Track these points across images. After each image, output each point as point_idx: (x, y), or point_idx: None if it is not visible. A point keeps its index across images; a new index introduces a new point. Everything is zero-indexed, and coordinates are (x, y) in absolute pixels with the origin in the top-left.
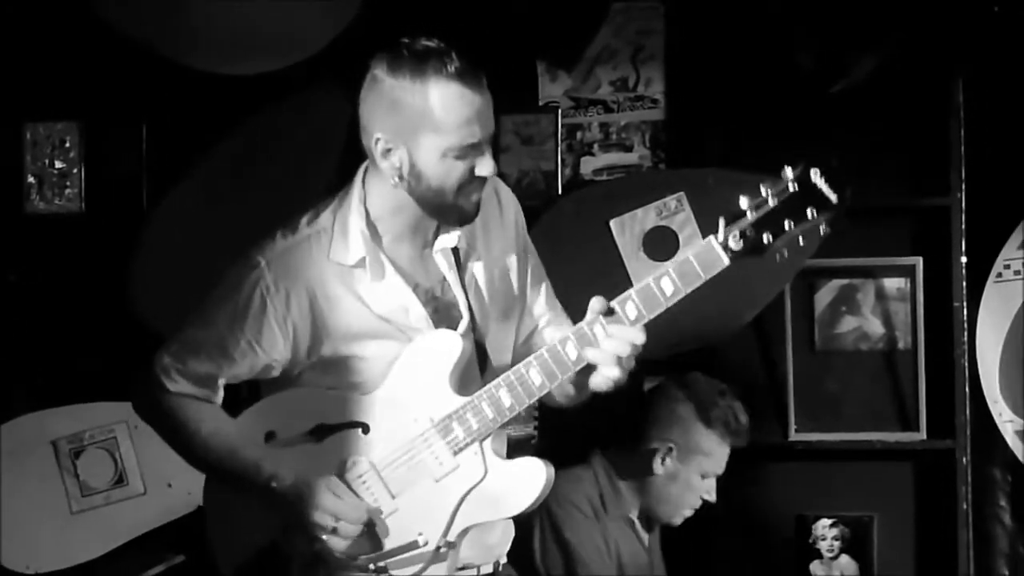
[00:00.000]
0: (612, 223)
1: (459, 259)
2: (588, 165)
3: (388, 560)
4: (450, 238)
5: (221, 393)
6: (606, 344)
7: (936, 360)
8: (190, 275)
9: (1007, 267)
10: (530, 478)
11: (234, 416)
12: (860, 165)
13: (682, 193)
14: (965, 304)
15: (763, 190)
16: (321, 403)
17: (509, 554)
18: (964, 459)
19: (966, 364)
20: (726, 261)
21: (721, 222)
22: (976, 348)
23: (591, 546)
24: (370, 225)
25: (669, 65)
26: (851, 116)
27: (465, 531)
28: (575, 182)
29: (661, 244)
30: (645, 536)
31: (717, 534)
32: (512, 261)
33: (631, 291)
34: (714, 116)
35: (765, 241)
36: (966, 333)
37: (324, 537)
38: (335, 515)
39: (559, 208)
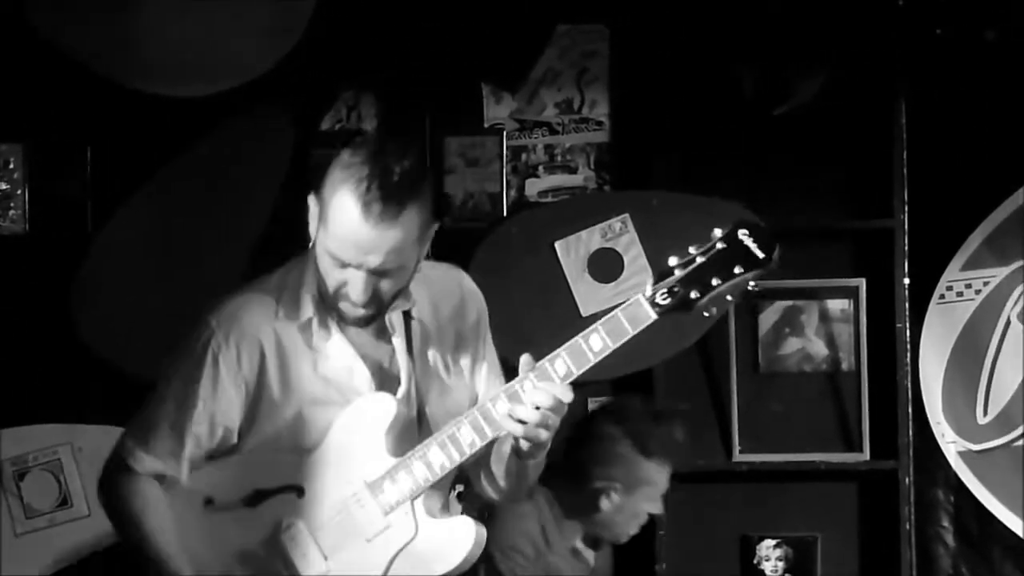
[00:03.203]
0: (557, 245)
1: (410, 328)
2: (533, 187)
3: None
4: (404, 303)
5: (186, 471)
6: (531, 397)
7: (879, 381)
8: (133, 298)
9: (950, 289)
10: (460, 538)
11: None
12: (804, 186)
13: (627, 215)
14: (908, 325)
15: (691, 250)
16: (259, 466)
17: None
18: (907, 480)
19: (909, 385)
20: (653, 316)
21: (649, 280)
22: (919, 369)
23: None
24: (320, 287)
25: (614, 87)
26: (795, 138)
27: None
28: (520, 204)
29: (606, 265)
30: (591, 558)
31: (662, 555)
32: (465, 355)
33: (560, 349)
34: (659, 138)
35: (692, 297)
36: (909, 354)
37: None
38: None
39: (504, 230)
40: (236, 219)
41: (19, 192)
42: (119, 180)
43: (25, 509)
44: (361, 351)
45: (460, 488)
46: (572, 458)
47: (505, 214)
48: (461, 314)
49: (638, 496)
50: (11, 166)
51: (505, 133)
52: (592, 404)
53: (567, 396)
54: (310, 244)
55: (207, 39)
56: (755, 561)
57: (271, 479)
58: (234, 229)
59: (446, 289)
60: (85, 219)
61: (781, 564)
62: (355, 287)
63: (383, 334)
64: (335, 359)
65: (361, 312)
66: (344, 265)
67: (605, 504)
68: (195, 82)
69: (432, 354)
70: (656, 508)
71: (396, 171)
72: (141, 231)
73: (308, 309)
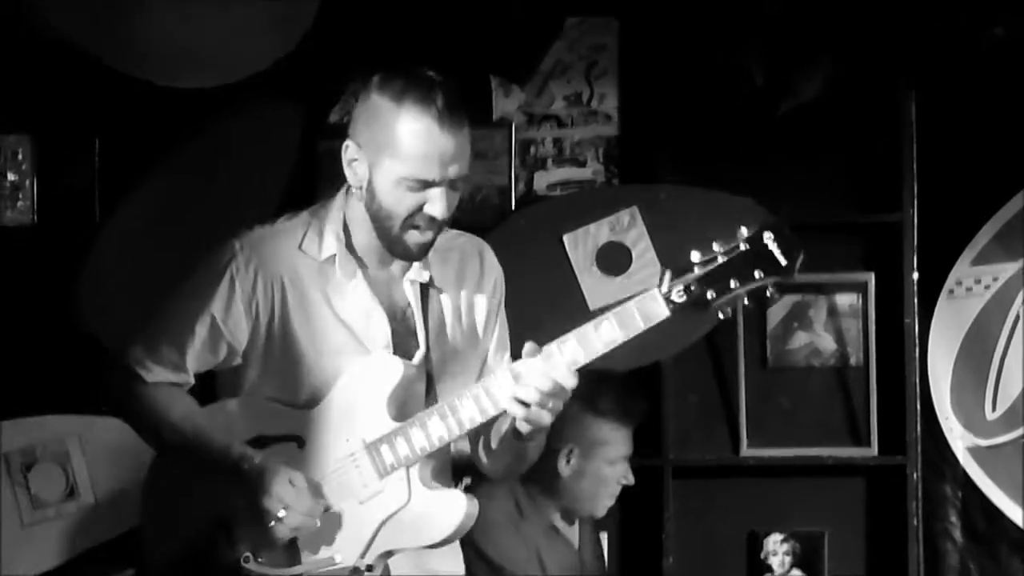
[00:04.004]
0: (565, 238)
1: (427, 296)
2: (542, 180)
3: (305, 575)
4: (422, 273)
5: (192, 377)
6: (534, 380)
7: (888, 376)
8: (140, 288)
9: (959, 284)
10: (451, 510)
11: None
12: (813, 180)
13: (635, 208)
14: (917, 320)
15: (715, 247)
16: (262, 414)
17: None
18: (915, 475)
19: (917, 380)
20: (667, 313)
21: (667, 274)
22: (928, 364)
23: (513, 555)
24: (346, 230)
25: (623, 80)
26: (804, 132)
27: (388, 554)
28: (528, 197)
29: (614, 259)
30: (573, 536)
31: (669, 549)
32: (480, 322)
33: (570, 334)
34: (668, 131)
35: (709, 297)
36: (918, 349)
37: (271, 524)
38: (286, 504)
39: (512, 223)
40: (243, 210)
41: (27, 183)
42: (127, 171)
43: (32, 500)
44: (379, 296)
45: (468, 481)
46: None
47: (513, 207)
48: (480, 283)
49: (596, 459)
50: (19, 157)
51: (514, 126)
52: None
53: (570, 382)
54: (343, 187)
55: (216, 30)
56: (762, 556)
57: (274, 426)
58: (241, 219)
59: (468, 257)
60: (93, 210)
61: (788, 559)
62: (437, 204)
63: (397, 286)
64: (354, 301)
65: (430, 236)
66: (425, 185)
67: (563, 467)
68: (203, 73)
69: (449, 322)
70: (623, 475)
71: (441, 81)
72: (148, 221)
73: (331, 246)
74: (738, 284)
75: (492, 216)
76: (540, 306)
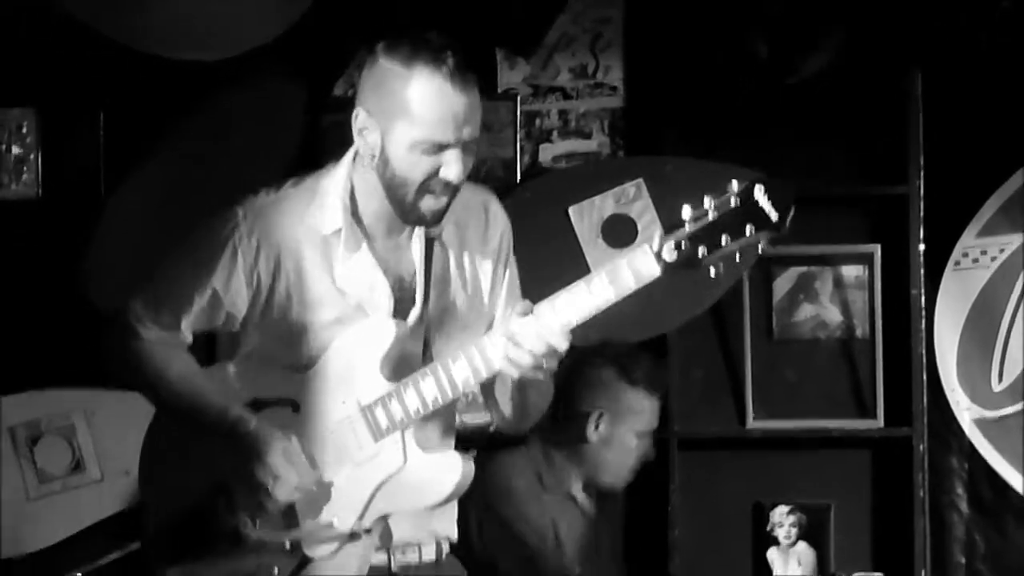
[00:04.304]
0: (571, 210)
1: (431, 252)
2: (547, 152)
3: (303, 539)
4: (432, 229)
5: (190, 338)
6: (527, 342)
7: (894, 348)
8: (146, 262)
9: (965, 255)
10: (448, 471)
11: None
12: (819, 152)
13: (640, 180)
14: (923, 292)
15: (706, 202)
16: (258, 377)
17: (454, 546)
18: (921, 447)
19: (923, 352)
20: (658, 271)
21: (658, 232)
22: (934, 336)
23: (527, 521)
24: (352, 199)
25: (628, 52)
26: (810, 103)
27: (385, 517)
28: (534, 170)
29: (620, 231)
30: (590, 508)
31: (675, 522)
32: (486, 277)
33: (560, 292)
34: (673, 104)
35: (700, 255)
36: (924, 321)
37: (265, 492)
38: (277, 475)
39: (518, 196)
40: (248, 183)
41: (32, 156)
42: (132, 145)
43: (38, 474)
44: (384, 266)
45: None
46: (558, 389)
47: (519, 180)
48: (484, 237)
49: (624, 427)
50: (24, 130)
51: (519, 98)
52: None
53: (562, 344)
54: (351, 154)
55: (220, 3)
56: (768, 528)
57: (270, 390)
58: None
59: (472, 210)
60: (98, 183)
61: (794, 531)
62: (453, 167)
63: (405, 251)
64: (358, 275)
65: (444, 201)
66: (440, 148)
67: (592, 433)
68: (208, 46)
69: (453, 277)
70: (646, 448)
71: (448, 43)
72: (153, 195)
73: (337, 218)
74: (729, 240)
75: (497, 188)
76: (545, 278)
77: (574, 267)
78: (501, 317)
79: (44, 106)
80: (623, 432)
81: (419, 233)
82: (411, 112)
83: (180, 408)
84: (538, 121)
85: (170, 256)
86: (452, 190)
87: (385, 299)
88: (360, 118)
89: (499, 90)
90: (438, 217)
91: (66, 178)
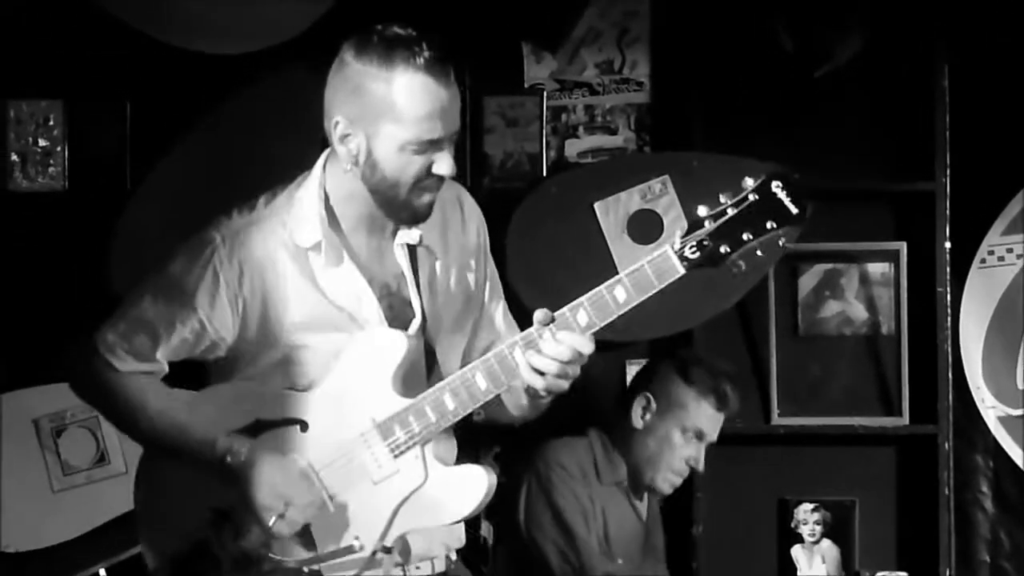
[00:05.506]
0: (596, 206)
1: (416, 258)
2: (573, 147)
3: (322, 564)
4: (412, 234)
5: (166, 368)
6: (551, 349)
7: (919, 345)
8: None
9: (991, 253)
10: (472, 486)
11: None
12: (845, 148)
13: (667, 176)
14: (949, 289)
15: (722, 199)
16: (259, 398)
17: (460, 552)
18: (946, 444)
19: (949, 349)
20: (681, 271)
21: (679, 232)
22: (959, 334)
23: (577, 509)
24: (328, 209)
25: (655, 48)
26: (836, 100)
27: (403, 536)
28: (560, 164)
29: (645, 227)
30: (642, 504)
31: (699, 517)
32: (471, 271)
33: (583, 298)
34: (699, 99)
35: (722, 252)
36: (949, 318)
37: (270, 522)
38: (285, 499)
39: (543, 190)
40: (269, 176)
41: (59, 149)
42: (158, 137)
43: (63, 466)
44: (368, 275)
45: (497, 449)
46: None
47: (544, 174)
48: (464, 232)
49: (670, 420)
50: (51, 123)
51: (545, 93)
52: (630, 366)
53: (587, 348)
54: (321, 162)
55: None
56: (792, 524)
57: (272, 411)
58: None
59: (447, 206)
60: (124, 176)
61: (819, 528)
62: (444, 162)
63: (387, 253)
64: (343, 285)
65: (434, 194)
66: (431, 144)
67: (637, 418)
68: (233, 40)
69: (440, 279)
70: (694, 457)
71: (419, 35)
72: (177, 186)
73: (316, 231)
74: (751, 236)
75: (523, 183)
76: (570, 273)
77: (599, 262)
78: (489, 310)
79: (71, 98)
80: (668, 425)
81: (400, 242)
82: (397, 113)
83: (163, 444)
84: (564, 116)
85: (143, 283)
86: (440, 181)
87: (373, 310)
88: (340, 126)
89: (526, 85)
90: (430, 209)
91: (92, 170)
